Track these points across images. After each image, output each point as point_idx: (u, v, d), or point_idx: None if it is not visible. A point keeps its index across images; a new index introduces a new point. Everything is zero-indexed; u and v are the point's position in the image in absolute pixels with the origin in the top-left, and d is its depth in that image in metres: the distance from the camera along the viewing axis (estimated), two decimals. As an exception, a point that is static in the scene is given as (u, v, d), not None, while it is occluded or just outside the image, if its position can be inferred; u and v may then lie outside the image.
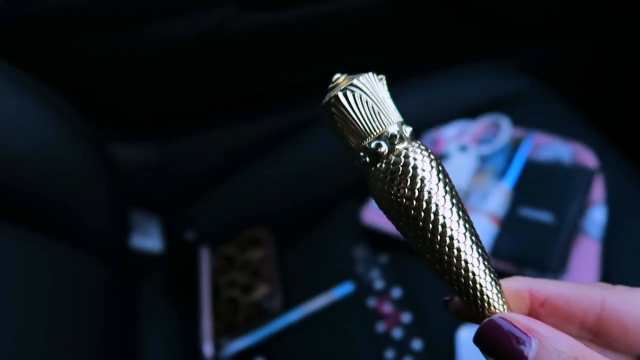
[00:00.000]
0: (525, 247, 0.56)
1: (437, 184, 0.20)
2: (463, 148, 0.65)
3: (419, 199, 0.20)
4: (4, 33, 0.56)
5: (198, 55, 0.65)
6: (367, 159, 0.21)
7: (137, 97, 0.70)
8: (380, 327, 0.59)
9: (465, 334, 0.53)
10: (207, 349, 0.63)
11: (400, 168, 0.20)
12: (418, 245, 0.21)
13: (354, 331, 0.60)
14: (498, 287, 0.21)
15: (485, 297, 0.21)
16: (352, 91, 0.21)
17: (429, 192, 0.20)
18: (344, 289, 0.62)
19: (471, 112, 0.70)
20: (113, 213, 0.61)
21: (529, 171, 0.61)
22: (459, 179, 0.63)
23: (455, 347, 0.54)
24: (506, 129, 0.65)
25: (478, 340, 0.20)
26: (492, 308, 0.21)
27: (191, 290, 0.69)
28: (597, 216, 0.57)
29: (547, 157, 0.62)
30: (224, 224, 0.75)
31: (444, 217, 0.20)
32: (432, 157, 0.21)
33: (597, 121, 0.68)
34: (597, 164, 0.60)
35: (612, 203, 0.58)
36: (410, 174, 0.20)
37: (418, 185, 0.20)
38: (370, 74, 0.21)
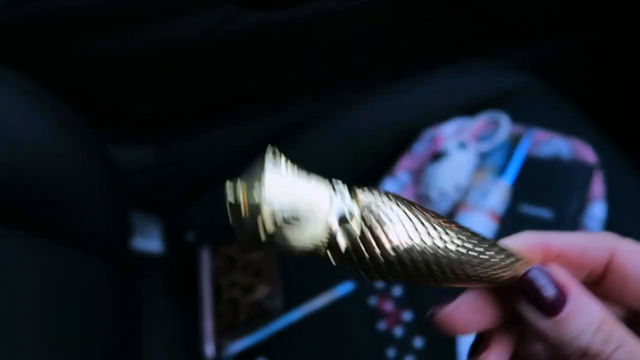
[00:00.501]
0: (526, 243, 0.56)
1: (410, 227, 0.18)
2: (462, 145, 0.65)
3: (402, 257, 0.18)
4: (4, 33, 0.56)
5: (198, 55, 0.66)
6: (332, 254, 0.18)
7: (137, 98, 0.70)
8: (382, 325, 0.59)
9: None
10: (209, 349, 0.63)
11: (370, 237, 0.18)
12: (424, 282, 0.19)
13: (355, 330, 0.60)
14: (512, 256, 0.20)
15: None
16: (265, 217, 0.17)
17: (410, 240, 0.18)
18: (344, 288, 0.62)
19: (470, 110, 0.70)
20: (113, 213, 0.61)
21: (528, 168, 0.61)
22: (458, 176, 0.63)
23: (457, 345, 0.54)
24: (505, 126, 0.65)
25: (517, 287, 0.20)
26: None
27: (192, 291, 0.69)
28: (596, 212, 0.57)
29: (546, 153, 0.62)
30: (224, 224, 0.75)
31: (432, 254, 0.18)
32: (388, 200, 0.18)
33: (596, 117, 0.68)
34: (597, 159, 0.60)
35: (612, 199, 0.58)
36: (380, 238, 0.18)
37: (396, 243, 0.18)
38: (269, 172, 0.17)
